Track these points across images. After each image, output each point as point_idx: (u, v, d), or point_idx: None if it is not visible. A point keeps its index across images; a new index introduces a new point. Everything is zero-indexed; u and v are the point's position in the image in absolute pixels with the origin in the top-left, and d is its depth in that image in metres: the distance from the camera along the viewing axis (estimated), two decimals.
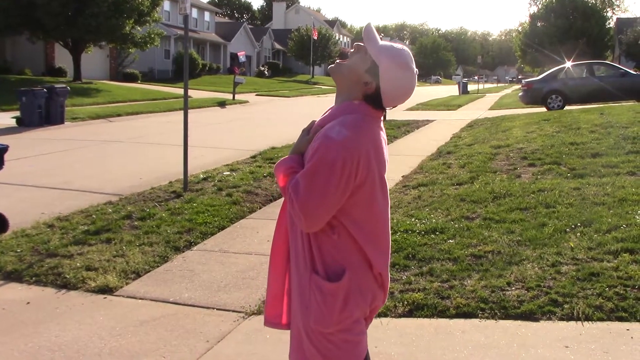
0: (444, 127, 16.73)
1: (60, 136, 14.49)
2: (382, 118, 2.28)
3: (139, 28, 30.80)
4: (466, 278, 4.68)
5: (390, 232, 2.32)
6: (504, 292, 4.39)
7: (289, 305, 2.39)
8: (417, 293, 4.45)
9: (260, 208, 7.45)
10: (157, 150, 12.40)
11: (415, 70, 2.23)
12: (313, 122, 2.29)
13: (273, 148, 11.78)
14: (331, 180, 2.06)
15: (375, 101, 2.20)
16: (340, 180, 2.07)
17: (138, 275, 5.13)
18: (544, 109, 19.70)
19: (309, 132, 2.25)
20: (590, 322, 3.94)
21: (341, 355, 2.22)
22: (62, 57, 32.94)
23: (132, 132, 15.85)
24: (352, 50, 2.26)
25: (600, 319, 3.96)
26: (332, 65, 2.28)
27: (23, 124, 16.07)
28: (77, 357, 3.72)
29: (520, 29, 62.02)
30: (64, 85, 18.05)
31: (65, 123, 17.00)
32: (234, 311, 4.40)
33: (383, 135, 2.27)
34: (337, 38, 72.20)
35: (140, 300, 4.64)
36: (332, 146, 2.07)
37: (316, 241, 2.19)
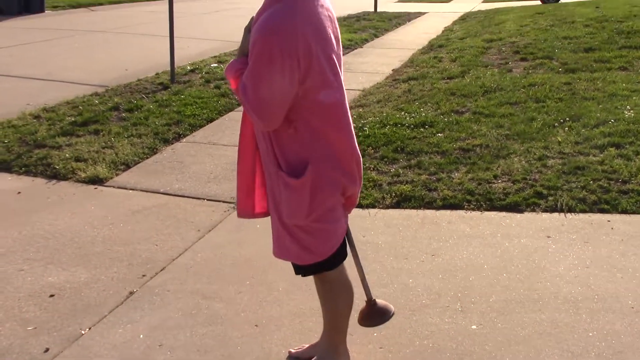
0: (436, 19, 16.35)
1: (40, 25, 14.03)
2: None
3: None
4: (454, 171, 4.74)
5: (350, 115, 2.26)
6: (490, 184, 4.47)
7: (261, 196, 2.43)
8: (405, 185, 4.51)
9: None
10: (142, 41, 12.08)
11: None
12: (252, 18, 2.18)
13: None
14: (274, 73, 1.98)
15: None
16: (283, 70, 1.98)
17: (127, 166, 5.15)
18: (539, 2, 19.22)
19: (250, 30, 2.16)
20: (573, 213, 4.04)
21: (318, 243, 2.27)
22: None
23: (115, 21, 15.36)
24: None
25: (583, 211, 4.06)
26: None
27: (1, 12, 15.50)
28: (71, 244, 3.79)
29: None
30: None
31: (46, 12, 16.40)
32: (224, 202, 4.46)
33: (326, 10, 2.14)
34: None
35: (130, 191, 4.68)
36: (266, 38, 1.98)
37: (277, 139, 2.17)
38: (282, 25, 1.98)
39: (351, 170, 2.27)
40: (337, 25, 2.26)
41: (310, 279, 2.51)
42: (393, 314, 2.60)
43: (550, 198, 4.21)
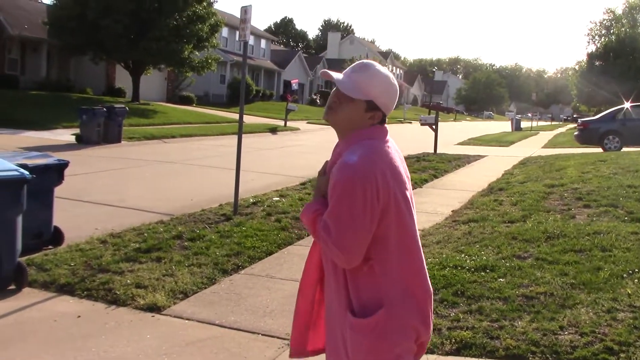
0: (496, 163, 16.50)
1: (116, 154, 14.89)
2: (387, 134, 2.29)
3: (197, 53, 31.60)
4: (517, 319, 4.56)
5: (423, 255, 2.30)
6: (556, 335, 4.26)
7: (317, 334, 2.43)
8: (465, 331, 4.35)
9: (308, 235, 7.45)
10: (208, 173, 12.60)
11: (384, 69, 2.29)
12: (326, 162, 2.33)
13: None
14: (356, 209, 2.09)
15: (380, 119, 2.27)
16: (365, 206, 2.09)
17: (186, 295, 5.18)
18: (599, 150, 19.25)
19: (325, 172, 2.29)
20: None
21: None
22: (122, 78, 33.99)
23: (185, 153, 16.17)
24: (334, 101, 2.27)
25: None
26: (326, 116, 2.30)
27: (82, 141, 16.58)
28: None
29: (577, 67, 60.96)
30: (122, 106, 18.60)
31: (122, 142, 17.47)
32: (278, 337, 4.39)
33: (395, 151, 2.27)
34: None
35: (187, 321, 4.68)
36: (348, 176, 2.11)
37: (352, 277, 2.20)
38: (362, 165, 2.12)
39: (426, 310, 2.27)
40: (406, 166, 2.35)
41: None
42: None
43: (622, 355, 3.96)
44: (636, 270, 5.50)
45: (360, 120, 2.23)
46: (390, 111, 2.30)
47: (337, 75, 2.25)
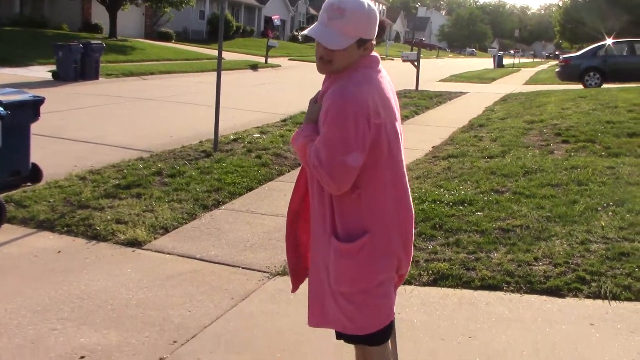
0: (477, 99, 16.49)
1: (94, 92, 14.63)
2: (379, 63, 2.29)
3: None
4: (493, 251, 4.65)
5: (409, 188, 2.35)
6: (531, 266, 4.36)
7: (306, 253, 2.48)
8: (442, 263, 4.44)
9: (288, 171, 7.46)
10: (188, 110, 12.46)
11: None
12: (319, 91, 2.32)
13: (303, 112, 11.73)
14: (348, 135, 2.09)
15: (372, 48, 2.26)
16: (357, 132, 2.09)
17: (166, 230, 5.20)
18: (580, 86, 19.28)
19: (317, 100, 2.29)
20: (617, 301, 3.89)
21: (362, 317, 2.24)
22: (99, 14, 33.03)
23: (164, 90, 15.93)
24: (326, 53, 2.19)
25: (628, 299, 3.91)
26: (322, 70, 2.24)
27: (59, 78, 16.24)
28: (105, 306, 3.80)
29: (560, 3, 60.36)
30: (99, 42, 18.15)
31: (100, 79, 17.13)
32: (259, 271, 4.45)
33: (387, 82, 2.28)
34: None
35: (167, 255, 4.71)
36: (340, 103, 2.11)
37: (339, 204, 2.22)
38: (354, 92, 2.12)
39: (409, 240, 2.33)
40: (397, 97, 2.34)
41: (342, 354, 2.46)
42: None
43: (594, 284, 4.08)
44: (610, 203, 5.61)
45: (355, 57, 2.21)
46: (376, 33, 2.24)
47: (316, 33, 2.15)
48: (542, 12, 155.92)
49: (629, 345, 3.38)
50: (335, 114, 2.11)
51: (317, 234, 2.31)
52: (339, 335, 2.38)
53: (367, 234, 2.20)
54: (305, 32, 2.27)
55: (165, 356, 3.26)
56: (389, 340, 2.44)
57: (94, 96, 13.76)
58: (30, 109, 6.36)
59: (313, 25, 2.21)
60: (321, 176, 2.15)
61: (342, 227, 2.22)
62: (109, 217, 5.36)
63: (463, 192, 6.12)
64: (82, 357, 3.22)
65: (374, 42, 2.24)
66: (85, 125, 10.01)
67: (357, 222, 2.21)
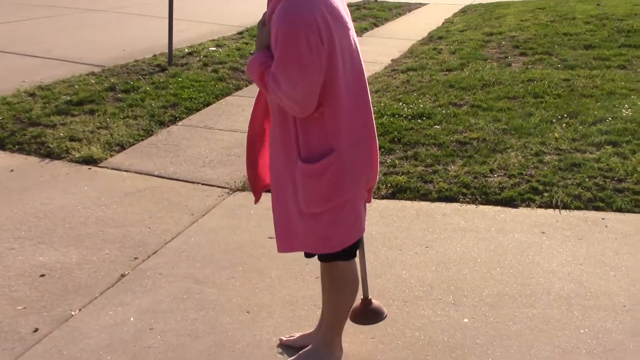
0: (437, 11, 16.27)
1: (39, 2, 13.89)
2: None
3: None
4: (450, 163, 4.73)
5: (370, 99, 2.30)
6: (486, 178, 4.45)
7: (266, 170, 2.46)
8: (400, 176, 4.49)
9: (246, 86, 7.33)
10: (140, 21, 11.98)
11: None
12: (265, 13, 2.21)
13: None
14: (303, 56, 2.01)
15: None
16: (311, 52, 2.01)
17: (122, 147, 5.11)
18: None
19: (264, 23, 2.19)
20: (567, 210, 4.04)
21: (334, 236, 2.26)
22: None
23: (114, 1, 15.23)
24: None
25: (578, 208, 4.06)
26: None
27: None
28: (63, 224, 3.77)
29: None
30: None
31: None
32: (218, 187, 4.44)
33: None
34: None
35: (124, 173, 4.65)
36: (288, 25, 2.01)
37: (302, 124, 2.17)
38: (301, 9, 2.02)
39: (374, 155, 2.31)
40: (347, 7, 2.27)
41: (304, 267, 2.50)
42: (386, 316, 2.59)
43: (546, 194, 4.21)
44: (565, 115, 5.71)
45: None
46: None
47: None
48: None
49: (577, 251, 3.53)
50: (285, 37, 2.01)
51: (278, 158, 2.27)
52: (309, 255, 2.41)
53: (333, 152, 2.17)
54: None
55: (126, 272, 3.28)
56: (359, 257, 2.49)
57: (39, 7, 13.08)
58: None
59: None
60: (283, 102, 2.09)
61: (307, 148, 2.18)
62: (62, 134, 5.22)
63: (422, 105, 6.14)
64: (42, 275, 3.21)
65: None
66: (32, 38, 9.55)
67: (322, 141, 2.17)
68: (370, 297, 2.57)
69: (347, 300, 2.47)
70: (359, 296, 2.55)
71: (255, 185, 2.50)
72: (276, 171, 2.30)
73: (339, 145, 2.19)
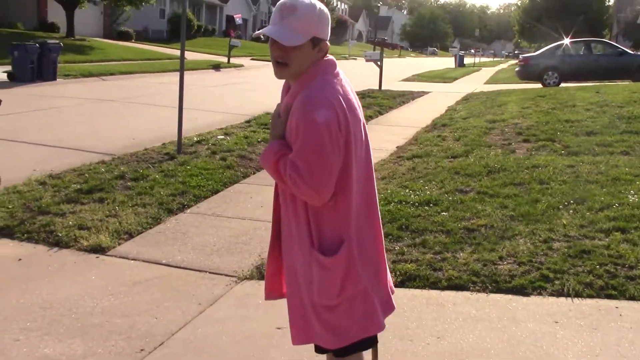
0: (440, 99, 16.66)
1: (52, 93, 14.32)
2: (336, 66, 2.28)
3: None
4: (459, 251, 4.70)
5: (376, 192, 2.38)
6: (496, 266, 4.42)
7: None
8: (409, 264, 4.47)
9: (254, 173, 7.42)
10: (150, 111, 12.29)
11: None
12: (279, 105, 2.30)
13: (267, 113, 11.68)
14: (324, 146, 2.08)
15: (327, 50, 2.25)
16: (332, 142, 2.09)
17: (130, 235, 5.12)
18: (539, 85, 19.66)
19: (279, 115, 2.26)
20: (580, 298, 3.98)
21: (348, 325, 2.24)
22: (55, 12, 32.31)
23: (125, 91, 15.68)
24: (279, 55, 2.19)
25: (590, 296, 4.00)
26: (279, 75, 2.23)
27: (15, 79, 15.85)
28: (69, 315, 3.72)
29: (519, 3, 61.44)
30: (56, 41, 17.77)
31: (58, 80, 16.77)
32: (226, 275, 4.41)
33: (346, 83, 2.28)
34: (334, 5, 71.36)
35: (132, 261, 4.64)
36: (310, 114, 2.09)
37: (315, 213, 2.20)
38: (320, 100, 2.11)
39: (380, 245, 2.35)
40: (357, 96, 2.36)
41: (313, 359, 2.45)
42: None
43: (557, 282, 4.16)
44: (571, 201, 5.72)
45: (311, 59, 2.19)
46: (329, 34, 2.24)
47: (270, 31, 2.16)
48: (501, 11, 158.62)
49: (592, 341, 3.46)
50: (306, 126, 2.09)
51: (292, 249, 2.27)
52: (320, 350, 2.37)
53: (345, 242, 2.19)
54: (258, 31, 2.26)
55: None
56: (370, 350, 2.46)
57: (52, 98, 13.47)
58: None
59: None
60: (302, 190, 2.12)
61: (319, 238, 2.20)
62: (70, 222, 5.25)
63: (428, 192, 6.18)
64: None
65: (328, 44, 2.24)
66: (44, 127, 9.79)
67: (333, 231, 2.20)
68: None
69: None
70: None
71: (270, 289, 2.49)
72: (289, 260, 2.30)
73: (349, 234, 2.21)
